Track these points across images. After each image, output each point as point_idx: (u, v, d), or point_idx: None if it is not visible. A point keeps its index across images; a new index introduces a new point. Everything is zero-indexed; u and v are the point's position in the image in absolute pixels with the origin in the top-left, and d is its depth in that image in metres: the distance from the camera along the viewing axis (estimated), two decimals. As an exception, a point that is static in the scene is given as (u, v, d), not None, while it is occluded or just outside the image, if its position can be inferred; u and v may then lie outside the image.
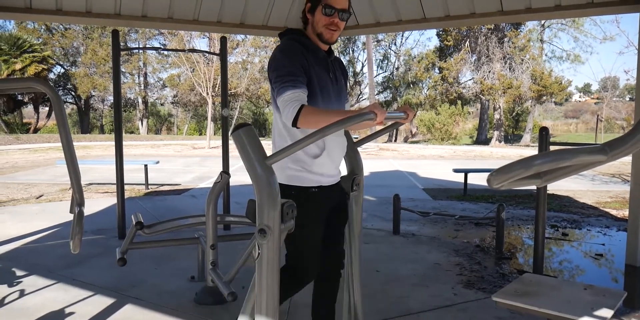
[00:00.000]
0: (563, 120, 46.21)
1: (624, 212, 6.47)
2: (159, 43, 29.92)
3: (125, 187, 5.28)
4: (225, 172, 3.18)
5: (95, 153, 17.01)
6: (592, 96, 54.93)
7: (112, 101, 27.00)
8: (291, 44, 2.11)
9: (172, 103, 35.79)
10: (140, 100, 32.95)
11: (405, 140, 30.20)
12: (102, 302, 3.31)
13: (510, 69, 25.39)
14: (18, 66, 24.94)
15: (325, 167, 2.17)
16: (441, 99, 28.39)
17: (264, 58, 26.98)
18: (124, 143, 5.18)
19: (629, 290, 2.74)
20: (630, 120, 25.14)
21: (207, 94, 20.64)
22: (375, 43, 31.87)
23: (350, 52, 33.58)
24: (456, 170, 8.72)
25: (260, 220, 1.65)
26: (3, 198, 7.54)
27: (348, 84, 2.47)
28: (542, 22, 25.69)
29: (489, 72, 25.44)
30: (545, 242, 4.00)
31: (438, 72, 28.80)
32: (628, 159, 3.83)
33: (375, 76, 31.99)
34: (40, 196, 7.71)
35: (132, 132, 32.95)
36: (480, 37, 25.60)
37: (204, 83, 20.58)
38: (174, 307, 3.22)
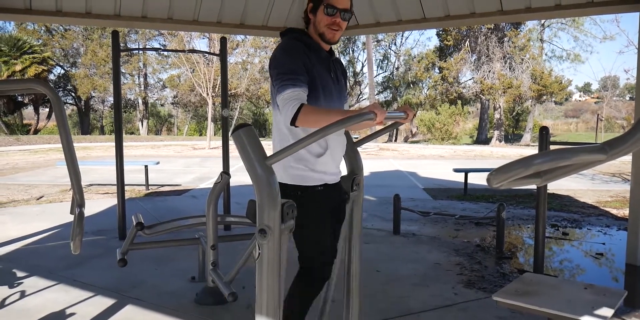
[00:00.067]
0: (563, 120, 46.18)
1: (624, 212, 6.46)
2: (159, 44, 29.93)
3: (126, 187, 5.28)
4: (226, 172, 3.19)
5: (95, 154, 17.01)
6: (592, 95, 54.91)
7: (112, 102, 27.03)
8: (293, 42, 2.11)
9: (172, 104, 35.80)
10: (140, 101, 32.95)
11: (406, 140, 30.20)
12: (102, 302, 3.31)
13: (510, 68, 25.39)
14: (18, 67, 24.96)
15: (328, 165, 2.18)
16: (441, 98, 28.39)
17: (264, 58, 26.98)
18: (124, 144, 5.18)
19: (629, 290, 2.74)
20: (631, 120, 25.15)
21: (207, 94, 20.64)
22: (375, 43, 31.87)
23: (350, 52, 33.59)
24: (456, 170, 8.72)
25: (261, 221, 1.65)
26: (3, 199, 7.55)
27: (348, 84, 2.47)
28: (542, 21, 25.68)
29: (489, 71, 25.44)
30: (545, 242, 4.00)
31: (438, 71, 28.81)
32: (628, 158, 3.83)
33: (375, 76, 32.01)
34: (41, 197, 7.72)
35: (132, 133, 32.97)
36: (480, 37, 25.61)
37: (204, 83, 20.59)
38: (174, 308, 3.22)
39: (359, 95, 33.84)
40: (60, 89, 31.37)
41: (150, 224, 3.63)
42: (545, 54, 28.20)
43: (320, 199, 2.16)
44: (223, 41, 5.50)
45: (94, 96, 31.86)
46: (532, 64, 25.46)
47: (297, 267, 2.30)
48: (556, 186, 8.45)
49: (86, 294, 3.46)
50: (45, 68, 26.57)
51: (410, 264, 4.23)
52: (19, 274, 3.90)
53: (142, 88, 32.93)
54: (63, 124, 2.03)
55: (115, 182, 5.07)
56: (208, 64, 21.17)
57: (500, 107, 26.60)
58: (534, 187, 2.47)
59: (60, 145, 2.10)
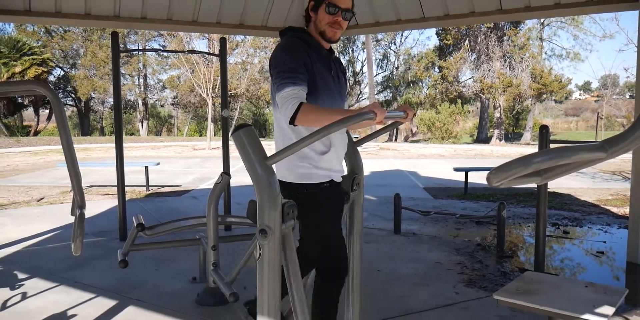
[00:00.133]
0: (563, 118, 46.14)
1: (625, 210, 6.46)
2: (159, 44, 29.96)
3: (126, 188, 5.28)
4: (226, 173, 3.19)
5: (95, 155, 17.01)
6: (592, 94, 54.85)
7: (112, 103, 27.00)
8: (293, 41, 2.11)
9: (172, 104, 35.79)
10: (140, 102, 32.95)
11: (406, 140, 30.20)
12: (103, 304, 3.31)
13: (510, 67, 25.38)
14: (18, 69, 24.96)
15: (333, 162, 2.18)
16: (441, 98, 28.39)
17: (264, 59, 26.98)
18: (124, 145, 5.19)
19: (630, 288, 2.74)
20: (631, 118, 25.11)
21: (207, 95, 20.64)
22: (375, 42, 31.86)
23: (350, 51, 33.58)
24: (457, 169, 8.72)
25: (261, 221, 1.65)
26: (4, 201, 7.55)
27: (348, 84, 2.48)
28: (542, 20, 25.68)
29: (489, 70, 25.43)
30: (546, 240, 4.00)
31: (438, 71, 28.80)
32: (629, 156, 3.82)
33: (375, 76, 31.99)
34: (41, 199, 7.72)
35: (132, 134, 32.97)
36: (480, 36, 25.60)
37: (203, 84, 20.58)
38: (175, 309, 3.22)
39: (359, 94, 33.84)
40: (60, 91, 31.37)
41: (151, 224, 3.63)
42: (545, 53, 28.24)
43: (327, 194, 2.17)
44: (222, 41, 5.50)
45: (93, 97, 31.86)
46: (532, 63, 25.45)
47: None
48: (556, 185, 8.45)
49: (87, 295, 3.46)
50: (45, 69, 26.58)
51: (410, 263, 4.23)
52: (20, 275, 3.91)
53: (142, 89, 32.92)
54: (63, 126, 2.04)
55: (116, 183, 5.07)
56: (208, 64, 21.16)
57: (500, 106, 26.59)
58: (534, 185, 2.47)
59: (60, 147, 2.10)
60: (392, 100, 32.44)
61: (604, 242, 5.05)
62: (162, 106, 38.75)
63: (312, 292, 2.38)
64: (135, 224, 3.49)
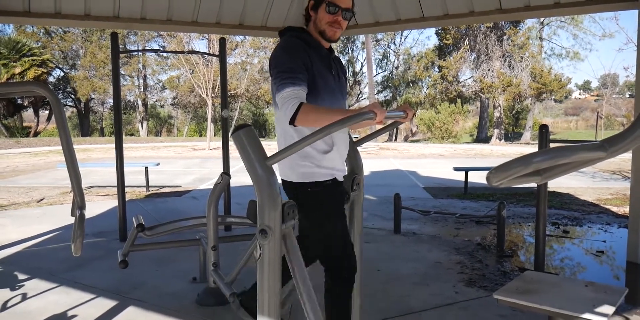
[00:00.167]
0: (563, 118, 46.14)
1: (625, 209, 6.46)
2: (158, 45, 29.97)
3: (126, 189, 5.28)
4: (226, 173, 3.19)
5: (95, 156, 17.02)
6: (591, 93, 54.84)
7: (111, 104, 27.01)
8: (293, 40, 2.11)
9: (171, 105, 35.79)
10: (140, 103, 32.95)
11: (406, 139, 30.20)
12: (104, 304, 3.31)
13: (509, 66, 25.39)
14: (17, 70, 24.97)
15: (335, 161, 2.19)
16: (441, 97, 28.40)
17: (263, 59, 26.98)
18: (124, 145, 5.18)
19: (630, 287, 2.74)
20: (630, 117, 25.12)
21: (207, 95, 20.65)
22: (375, 42, 31.86)
23: (350, 51, 33.56)
24: (456, 169, 8.72)
25: (261, 221, 1.65)
26: (4, 202, 7.55)
27: (348, 83, 2.48)
28: (541, 19, 25.69)
29: (489, 70, 25.44)
30: (546, 240, 4.00)
31: (437, 70, 28.82)
32: (628, 155, 3.82)
33: (375, 75, 31.98)
34: (41, 200, 7.72)
35: (132, 135, 32.96)
36: (480, 36, 25.61)
37: (203, 84, 20.59)
38: (176, 309, 3.22)
39: (359, 94, 33.84)
40: (60, 91, 31.37)
41: (151, 225, 3.64)
42: (545, 52, 28.25)
43: (330, 192, 2.17)
44: (222, 42, 5.50)
45: (93, 98, 31.86)
46: (532, 62, 25.46)
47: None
48: (556, 184, 8.45)
49: (87, 296, 3.46)
50: (45, 70, 26.59)
51: (410, 263, 4.23)
52: (20, 276, 3.91)
53: (142, 89, 32.92)
54: (63, 126, 2.04)
55: (116, 184, 5.07)
56: (207, 64, 21.17)
57: (500, 105, 26.60)
58: (534, 185, 2.47)
59: (60, 148, 2.10)
60: (392, 100, 32.45)
61: (604, 241, 5.05)
62: (161, 107, 38.75)
63: (324, 296, 2.36)
64: (135, 225, 3.49)
